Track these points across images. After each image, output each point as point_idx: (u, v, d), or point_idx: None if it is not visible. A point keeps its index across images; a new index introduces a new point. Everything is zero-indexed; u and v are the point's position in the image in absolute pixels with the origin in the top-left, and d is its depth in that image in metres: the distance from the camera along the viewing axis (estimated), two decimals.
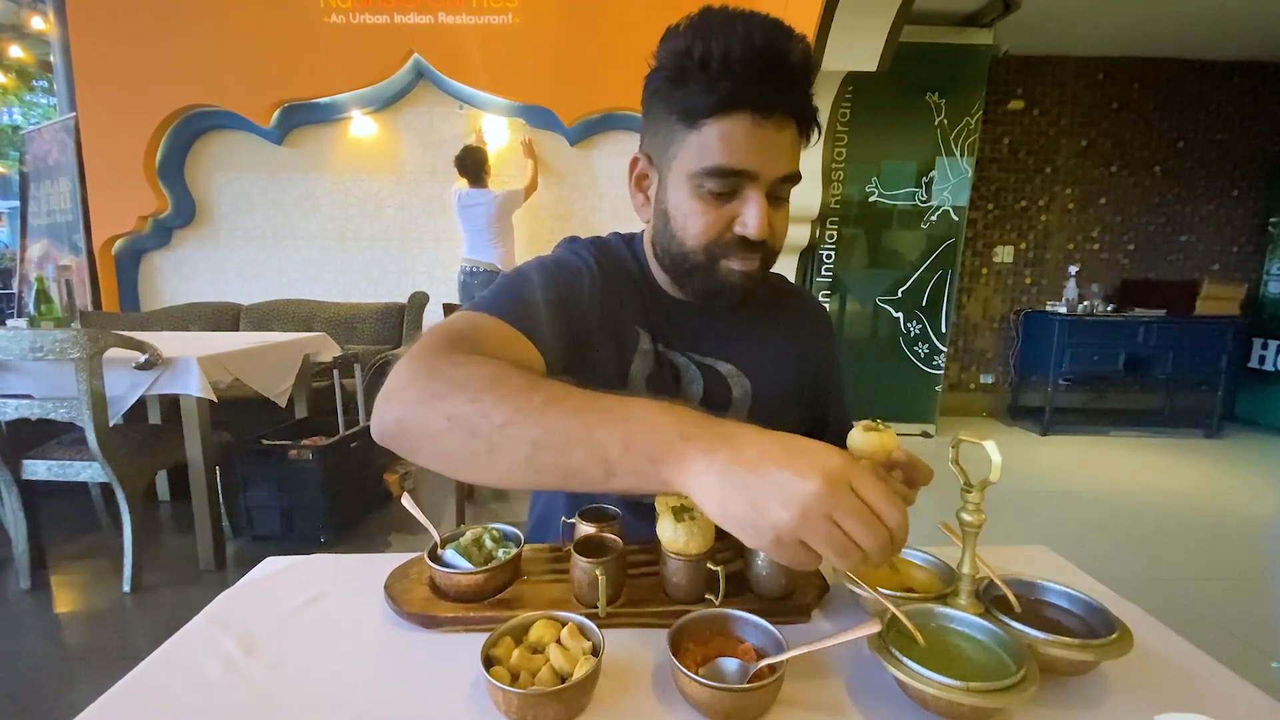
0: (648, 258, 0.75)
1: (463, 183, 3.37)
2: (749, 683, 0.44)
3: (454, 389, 0.47)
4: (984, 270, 4.38)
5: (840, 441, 0.74)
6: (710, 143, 0.59)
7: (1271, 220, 4.22)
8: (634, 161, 0.69)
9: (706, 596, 0.57)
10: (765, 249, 0.64)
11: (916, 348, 3.74)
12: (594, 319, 0.68)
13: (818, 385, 0.82)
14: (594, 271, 0.70)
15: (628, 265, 0.74)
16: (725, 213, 0.62)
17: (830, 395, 0.85)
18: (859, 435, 0.56)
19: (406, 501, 0.68)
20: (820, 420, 0.84)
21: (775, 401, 0.76)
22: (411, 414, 0.48)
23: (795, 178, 0.63)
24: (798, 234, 3.21)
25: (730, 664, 0.46)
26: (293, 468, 2.15)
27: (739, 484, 0.39)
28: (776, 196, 0.64)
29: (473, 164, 3.31)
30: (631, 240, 0.77)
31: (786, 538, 0.38)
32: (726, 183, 0.60)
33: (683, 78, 0.59)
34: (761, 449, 0.40)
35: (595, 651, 0.46)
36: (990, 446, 0.49)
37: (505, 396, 0.46)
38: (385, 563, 0.63)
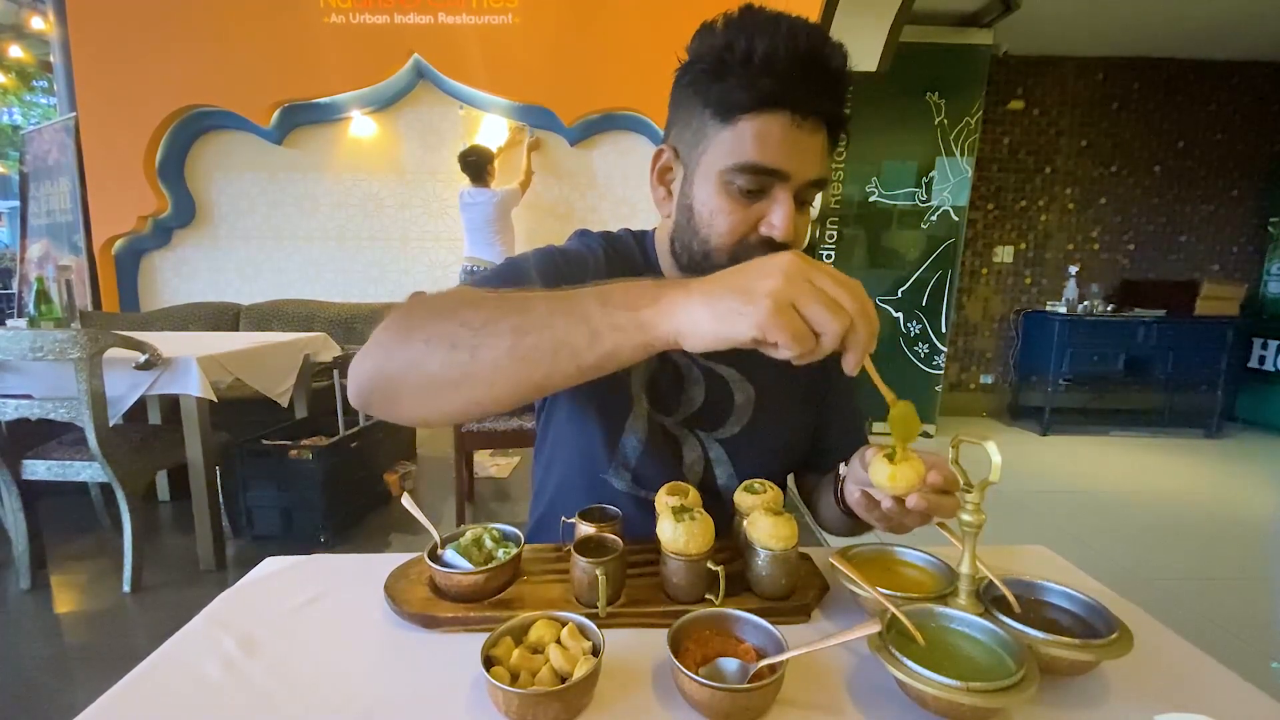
0: (659, 255, 0.74)
1: (466, 181, 3.39)
2: (749, 683, 0.44)
3: (428, 317, 0.49)
4: (984, 270, 4.38)
5: (849, 446, 0.75)
6: (745, 139, 0.58)
7: (1271, 220, 4.23)
8: (658, 154, 0.67)
9: (706, 596, 0.57)
10: None
11: (916, 348, 3.74)
12: None
13: (823, 391, 0.81)
14: (600, 262, 0.70)
15: (635, 260, 0.74)
16: (752, 212, 0.61)
17: (837, 401, 0.83)
18: (882, 471, 0.50)
19: (406, 501, 0.68)
20: (825, 427, 0.82)
21: (778, 408, 0.75)
22: (387, 355, 0.50)
23: (823, 183, 0.62)
24: None
25: (730, 664, 0.46)
26: (293, 468, 2.15)
27: (719, 290, 0.43)
28: (802, 201, 0.63)
29: (475, 163, 3.33)
30: (643, 237, 0.77)
31: (781, 302, 0.41)
32: (757, 181, 0.59)
33: (722, 72, 0.58)
34: (725, 271, 0.45)
35: (595, 651, 0.46)
36: (990, 446, 0.49)
37: (481, 304, 0.48)
38: (385, 563, 0.63)
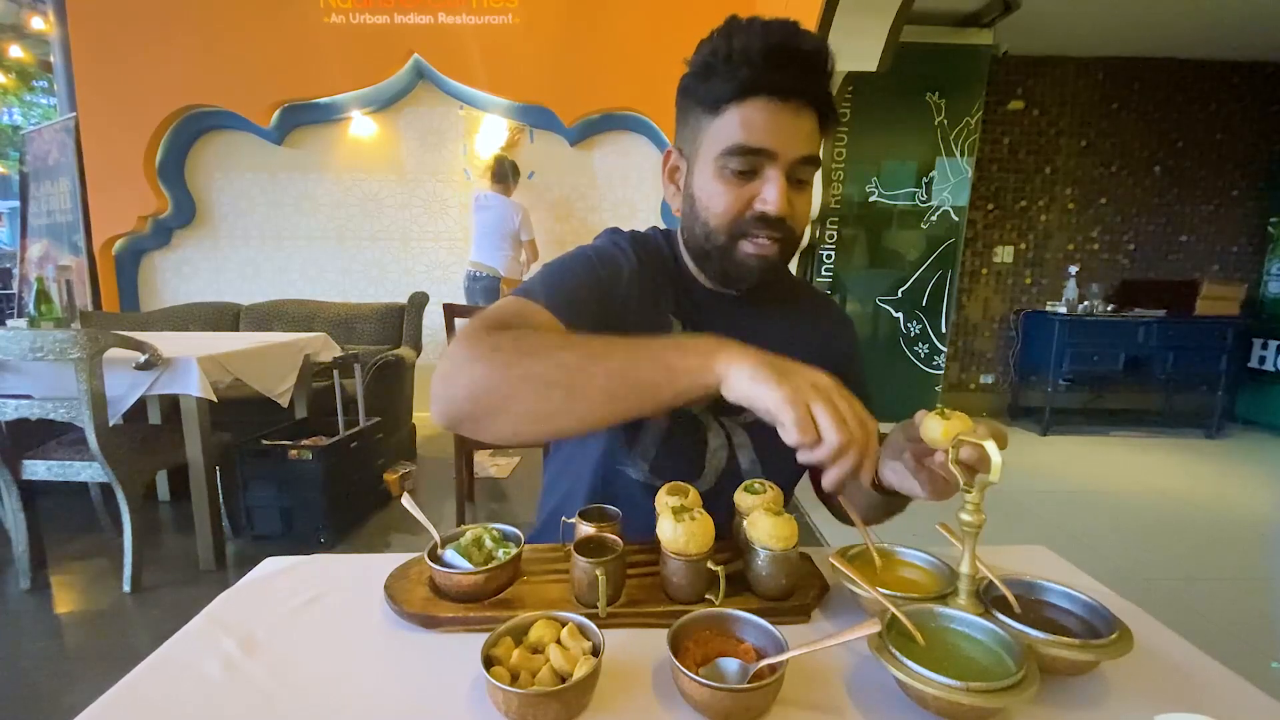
0: (681, 249, 0.78)
1: (484, 184, 3.41)
2: (749, 683, 0.44)
3: (524, 355, 0.54)
4: (984, 270, 4.38)
5: None
6: (732, 125, 0.64)
7: (1271, 220, 4.23)
8: (667, 155, 0.75)
9: (706, 596, 0.57)
10: (785, 229, 0.67)
11: (916, 348, 3.74)
12: (631, 310, 0.70)
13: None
14: (633, 263, 0.73)
15: (664, 257, 0.77)
16: (746, 191, 0.66)
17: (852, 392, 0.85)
18: (936, 425, 0.54)
19: (406, 501, 0.68)
20: None
21: None
22: (483, 385, 0.53)
23: (815, 161, 0.67)
24: None
25: (730, 664, 0.46)
26: (293, 468, 2.15)
27: (768, 363, 0.50)
28: (798, 180, 0.67)
29: (501, 170, 3.39)
30: (670, 235, 0.81)
31: (797, 398, 0.47)
32: (747, 161, 0.65)
33: (708, 73, 0.66)
34: (785, 359, 0.51)
35: (595, 651, 0.46)
36: (990, 446, 0.49)
37: (575, 347, 0.54)
38: (385, 563, 0.63)
